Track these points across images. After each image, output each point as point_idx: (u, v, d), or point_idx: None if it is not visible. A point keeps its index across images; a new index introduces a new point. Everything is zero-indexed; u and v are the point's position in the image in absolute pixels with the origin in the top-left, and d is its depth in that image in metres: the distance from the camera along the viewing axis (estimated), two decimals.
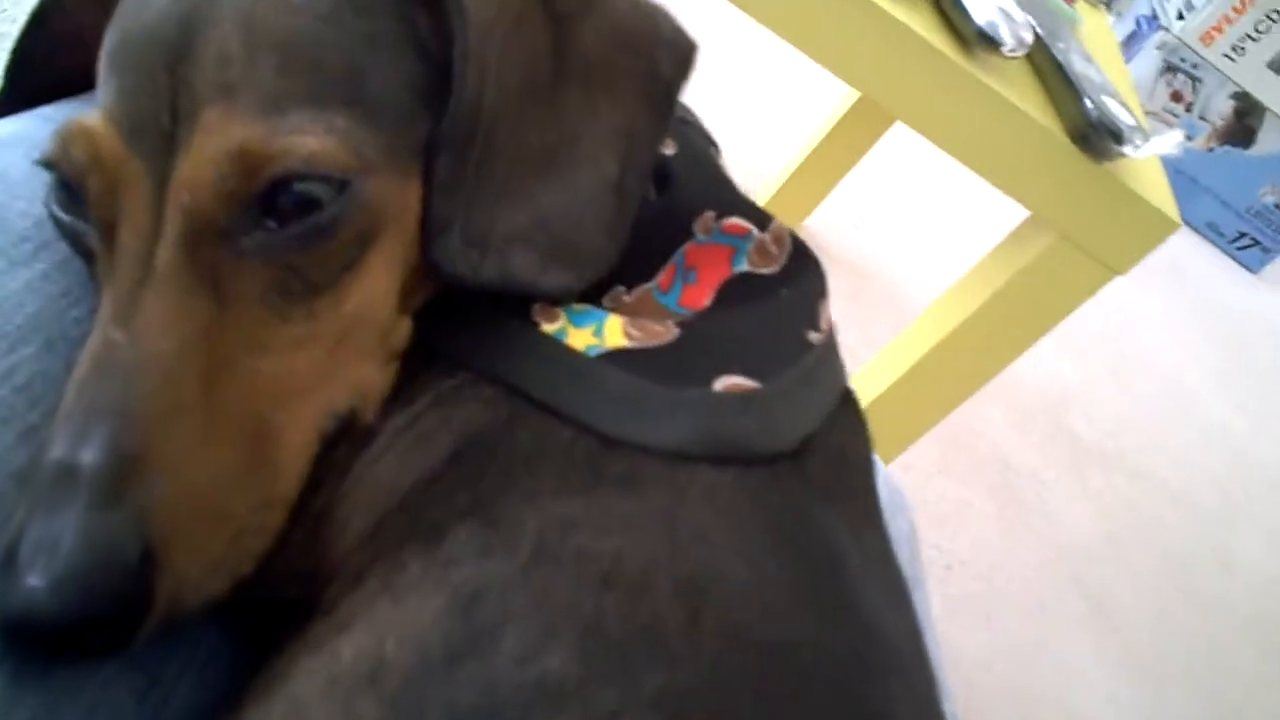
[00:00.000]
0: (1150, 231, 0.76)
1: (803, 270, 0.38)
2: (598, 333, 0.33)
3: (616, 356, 0.32)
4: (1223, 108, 2.41)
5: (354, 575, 0.30)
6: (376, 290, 0.32)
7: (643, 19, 0.36)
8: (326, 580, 0.31)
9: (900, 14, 0.73)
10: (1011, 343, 0.83)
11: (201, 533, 0.28)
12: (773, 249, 0.37)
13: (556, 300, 0.34)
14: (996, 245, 0.86)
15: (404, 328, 0.34)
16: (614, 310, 0.34)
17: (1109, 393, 1.76)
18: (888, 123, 1.45)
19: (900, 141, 1.41)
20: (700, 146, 0.41)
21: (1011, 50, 0.71)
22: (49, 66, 0.39)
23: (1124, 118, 0.72)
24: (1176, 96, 2.40)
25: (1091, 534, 1.43)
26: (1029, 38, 0.72)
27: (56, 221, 0.33)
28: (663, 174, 0.37)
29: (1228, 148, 2.48)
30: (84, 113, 0.31)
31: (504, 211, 0.33)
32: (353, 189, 0.30)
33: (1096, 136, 0.71)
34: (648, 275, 0.35)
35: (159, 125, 0.30)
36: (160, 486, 0.27)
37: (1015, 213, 0.80)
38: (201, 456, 0.28)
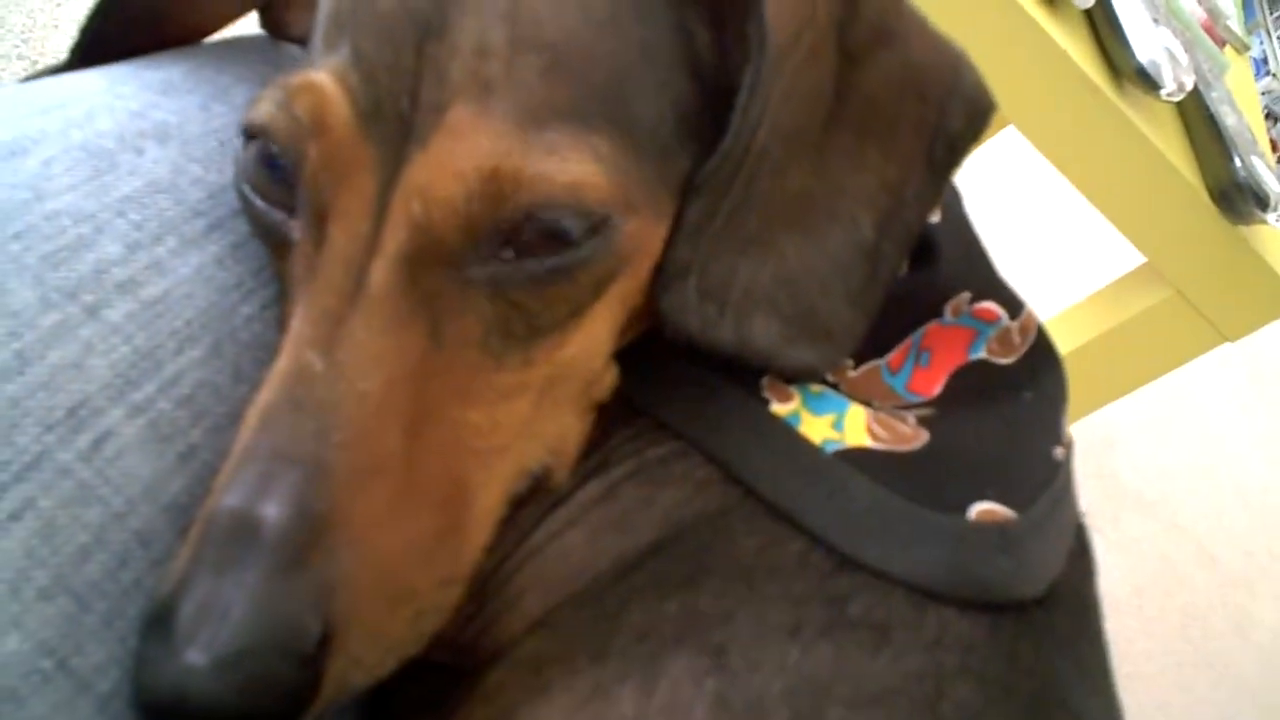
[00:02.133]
0: (1272, 304, 0.73)
1: (1045, 368, 0.34)
2: (838, 425, 0.30)
3: (858, 458, 0.29)
4: None
5: (527, 665, 0.26)
6: (597, 337, 0.29)
7: (941, 62, 0.32)
8: (486, 657, 0.28)
9: (1056, 34, 0.69)
10: (1102, 392, 0.81)
11: (383, 612, 0.25)
12: (1016, 338, 0.34)
13: (792, 377, 0.30)
14: (1103, 288, 0.83)
15: (610, 377, 0.31)
16: (838, 384, 0.31)
17: (1156, 440, 1.73)
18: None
19: (1004, 156, 1.36)
20: (962, 213, 0.37)
21: (1169, 94, 0.67)
22: (122, 42, 0.35)
23: (1272, 184, 0.68)
24: (1274, 145, 2.33)
25: (1120, 583, 1.42)
26: (1189, 82, 0.69)
27: (246, 204, 0.29)
28: (925, 244, 0.33)
29: None
30: (311, 70, 0.27)
31: (748, 264, 0.29)
32: (609, 229, 0.27)
33: (1239, 198, 0.68)
34: (879, 349, 0.32)
35: (396, 108, 0.26)
36: (348, 556, 0.24)
37: (1126, 257, 0.77)
38: (394, 523, 0.25)
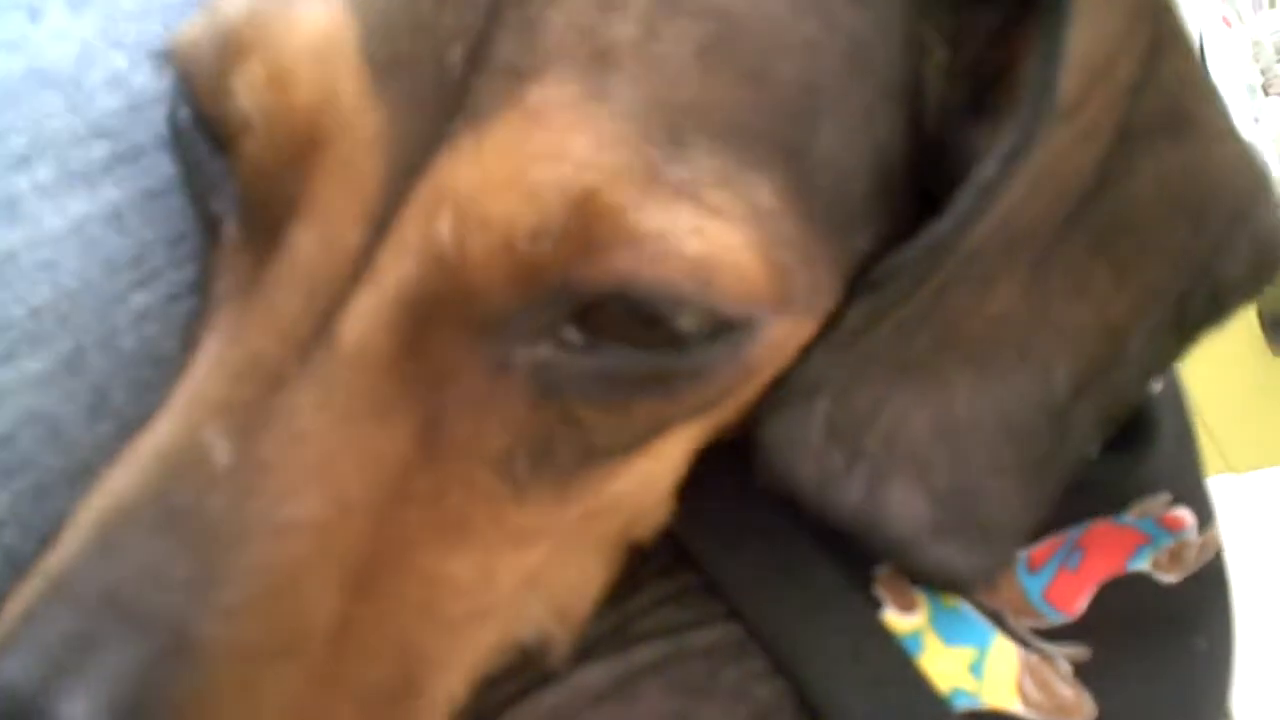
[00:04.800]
0: None
1: (1215, 603, 0.26)
2: (977, 667, 0.21)
3: None
4: None
5: None
6: (666, 467, 0.20)
7: (1236, 179, 0.23)
8: None
9: None
10: None
11: None
12: (1191, 555, 0.26)
13: (920, 577, 0.22)
14: None
15: (663, 512, 0.22)
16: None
17: None
18: None
19: None
20: (1179, 383, 0.28)
21: None
22: None
23: None
24: None
25: None
26: None
27: (180, 144, 0.19)
28: (1141, 420, 0.25)
29: None
30: None
31: (900, 400, 0.21)
32: (745, 332, 0.18)
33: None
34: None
35: (441, 64, 0.16)
36: None
37: None
38: (291, 710, 0.16)
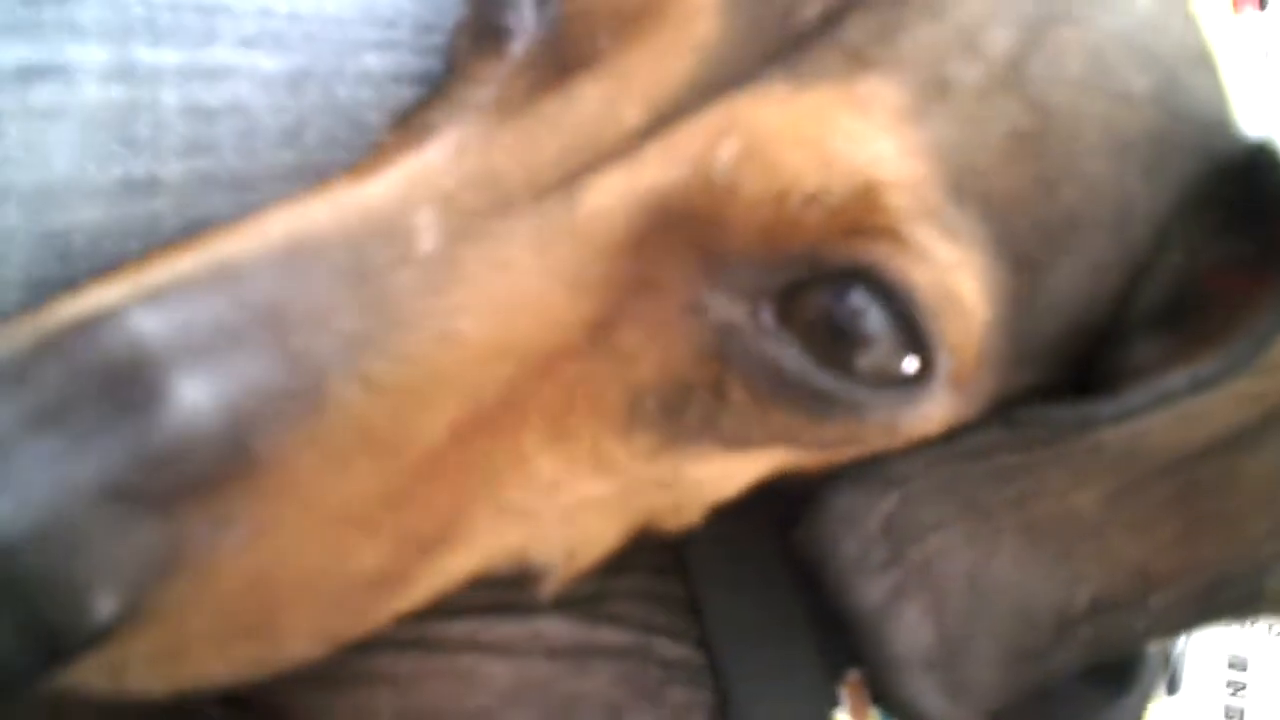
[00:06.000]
0: None
1: None
2: None
3: None
4: None
5: None
6: (740, 478, 0.21)
7: None
8: None
9: None
10: None
11: (236, 620, 0.16)
12: None
13: (886, 698, 0.22)
14: None
15: (696, 519, 0.22)
16: None
17: None
18: None
19: None
20: (1169, 656, 0.30)
21: None
22: None
23: None
24: None
25: None
26: None
27: None
28: (1125, 668, 0.25)
29: None
30: None
31: (955, 530, 0.22)
32: (921, 384, 0.19)
33: None
34: None
35: (791, 11, 0.17)
36: (243, 526, 0.15)
37: None
38: (342, 521, 0.16)
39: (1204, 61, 0.21)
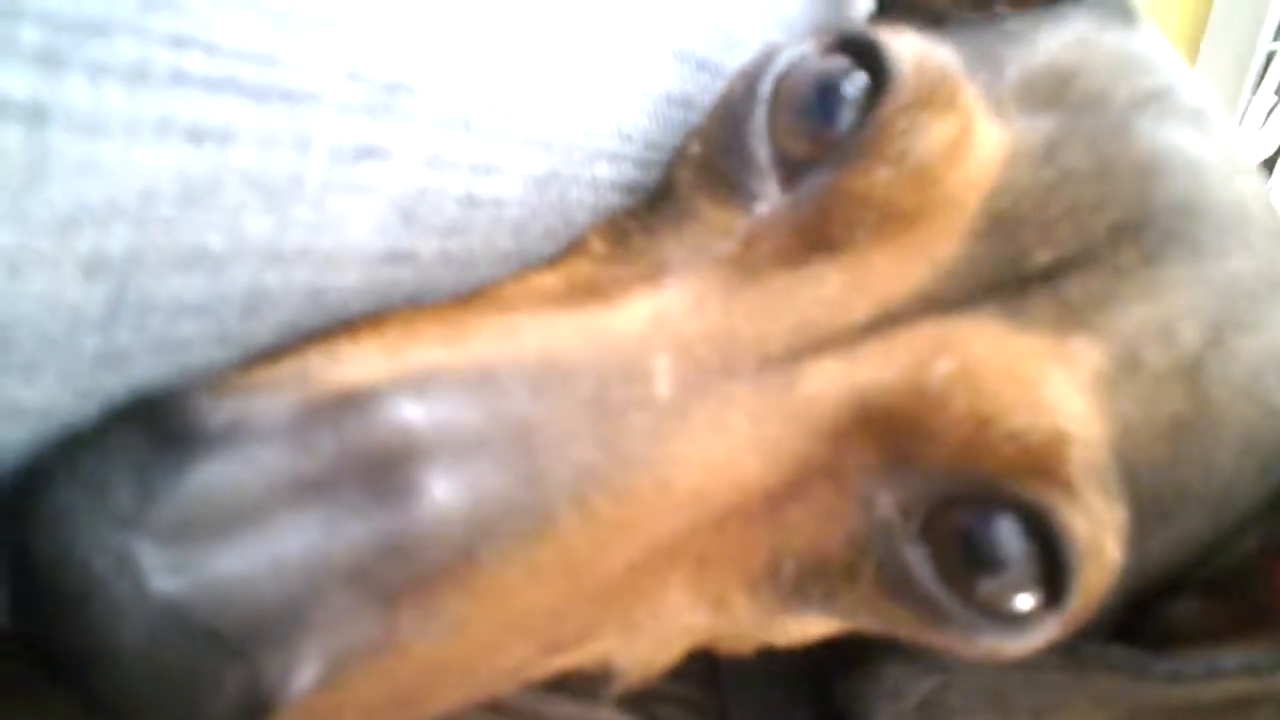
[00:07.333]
0: None
1: None
2: None
3: None
4: None
5: None
6: (810, 632, 0.22)
7: None
8: None
9: None
10: None
11: (418, 681, 0.17)
12: None
13: None
14: None
15: (750, 650, 0.24)
16: None
17: None
18: None
19: None
20: None
21: None
22: None
23: None
24: None
25: None
26: None
27: (731, 118, 0.21)
28: None
29: None
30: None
31: (978, 716, 0.23)
32: (1023, 630, 0.20)
33: None
34: None
35: (1024, 251, 0.19)
36: (444, 623, 0.16)
37: None
38: (507, 634, 0.18)
39: None
